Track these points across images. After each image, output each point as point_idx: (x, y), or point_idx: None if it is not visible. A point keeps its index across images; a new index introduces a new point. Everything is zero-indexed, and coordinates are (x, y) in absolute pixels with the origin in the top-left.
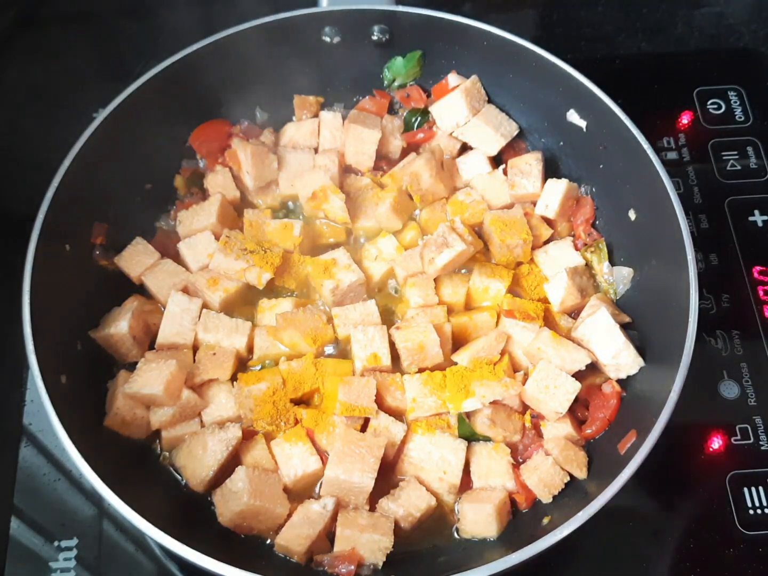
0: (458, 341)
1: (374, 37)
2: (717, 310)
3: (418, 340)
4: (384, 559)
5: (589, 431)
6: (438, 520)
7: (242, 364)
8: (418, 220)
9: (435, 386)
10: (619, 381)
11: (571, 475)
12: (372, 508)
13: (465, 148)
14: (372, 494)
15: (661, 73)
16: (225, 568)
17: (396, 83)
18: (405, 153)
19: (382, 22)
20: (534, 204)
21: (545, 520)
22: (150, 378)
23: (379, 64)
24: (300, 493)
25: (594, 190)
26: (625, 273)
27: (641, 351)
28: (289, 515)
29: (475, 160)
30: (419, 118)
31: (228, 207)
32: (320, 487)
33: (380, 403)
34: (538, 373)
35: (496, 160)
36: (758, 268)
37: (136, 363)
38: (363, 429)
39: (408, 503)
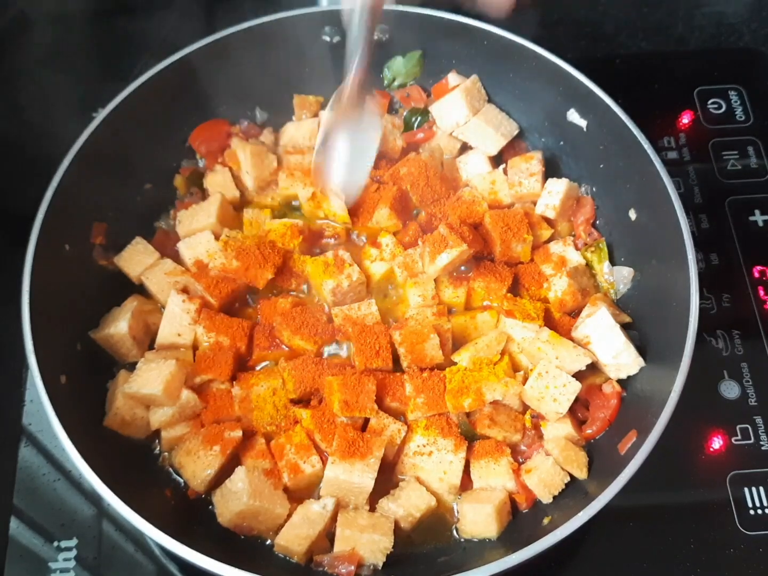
0: (458, 341)
1: (374, 37)
2: (717, 309)
3: (418, 340)
4: (384, 560)
5: (589, 431)
6: (438, 520)
7: (242, 364)
8: (418, 220)
9: (434, 391)
10: (620, 381)
11: (571, 476)
12: (372, 508)
13: (465, 147)
14: (372, 494)
15: (661, 73)
16: (225, 568)
17: (396, 83)
18: (405, 153)
19: (382, 22)
20: (534, 203)
21: (545, 521)
22: (150, 378)
23: (379, 64)
24: (300, 493)
25: (594, 189)
26: (625, 273)
27: (642, 351)
28: (289, 515)
29: (475, 159)
30: (419, 118)
31: (228, 207)
32: (321, 487)
33: (380, 403)
34: (538, 373)
35: (496, 160)
36: (758, 267)
37: (136, 363)
38: (363, 429)
39: (408, 503)
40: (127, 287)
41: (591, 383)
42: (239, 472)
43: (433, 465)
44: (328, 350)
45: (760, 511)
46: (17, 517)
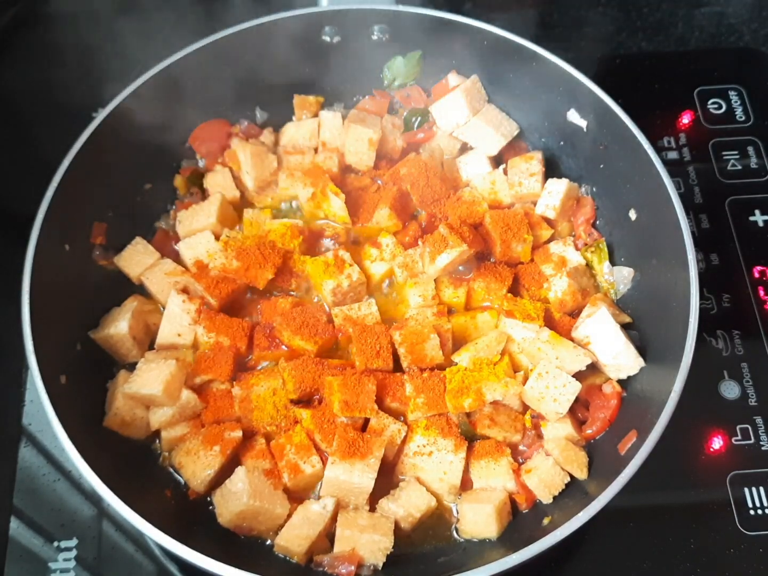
0: (458, 341)
1: (374, 37)
2: (717, 310)
3: (418, 341)
4: (384, 560)
5: (589, 431)
6: (438, 520)
7: (242, 364)
8: (418, 220)
9: (434, 392)
10: (620, 381)
11: (571, 476)
12: (372, 509)
13: (465, 147)
14: (372, 494)
15: (661, 73)
16: (225, 568)
17: (396, 83)
18: (405, 153)
19: (382, 22)
20: (534, 204)
21: (546, 521)
22: (149, 378)
23: (379, 64)
24: (300, 493)
25: (594, 189)
26: (625, 273)
27: (642, 351)
28: (289, 515)
29: (475, 159)
30: (419, 118)
31: (228, 207)
32: (320, 487)
33: (380, 403)
34: (538, 374)
35: (496, 160)
36: (759, 267)
37: (136, 363)
38: (363, 429)
39: (408, 503)
40: (127, 287)
41: (591, 383)
42: (239, 473)
43: (433, 465)
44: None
45: (760, 511)
46: (17, 517)
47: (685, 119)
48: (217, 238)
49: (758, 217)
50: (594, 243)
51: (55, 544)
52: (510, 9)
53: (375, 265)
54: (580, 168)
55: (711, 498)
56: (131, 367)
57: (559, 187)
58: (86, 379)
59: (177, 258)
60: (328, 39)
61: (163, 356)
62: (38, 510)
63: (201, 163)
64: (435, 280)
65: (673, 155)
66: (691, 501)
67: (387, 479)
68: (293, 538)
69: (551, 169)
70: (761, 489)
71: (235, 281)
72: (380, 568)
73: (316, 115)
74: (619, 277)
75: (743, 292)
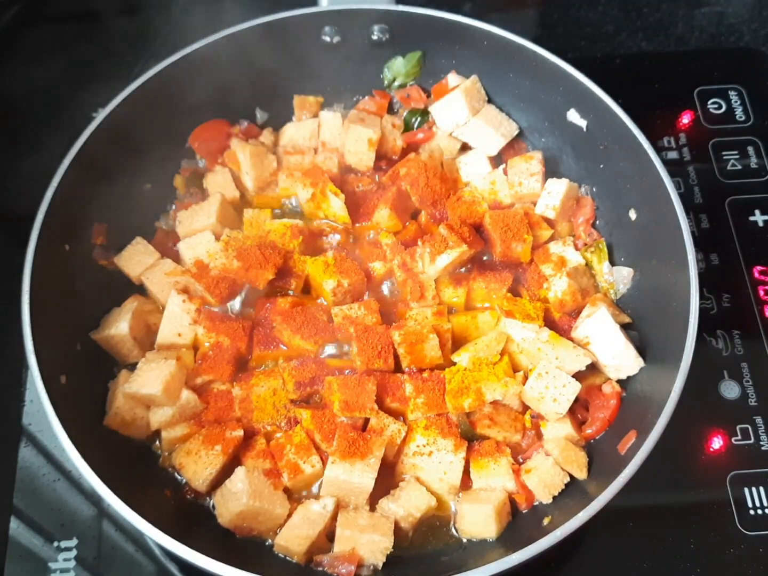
0: (458, 341)
1: (374, 37)
2: (717, 309)
3: (417, 341)
4: (384, 560)
5: (589, 431)
6: (438, 520)
7: (242, 364)
8: (418, 220)
9: (434, 392)
10: (620, 381)
11: (571, 476)
12: (372, 509)
13: (465, 147)
14: (372, 494)
15: (661, 73)
16: (225, 568)
17: (396, 83)
18: (405, 153)
19: (382, 22)
20: (534, 204)
21: (545, 521)
22: (149, 378)
23: (379, 64)
24: (300, 493)
25: (594, 189)
26: (625, 273)
27: (641, 351)
28: (289, 515)
29: (475, 159)
30: (419, 118)
31: (228, 207)
32: (320, 487)
33: (380, 403)
34: (538, 374)
35: (496, 160)
36: (759, 267)
37: (137, 363)
38: (363, 429)
39: (408, 503)
40: (127, 287)
41: (591, 383)
42: (239, 473)
43: (433, 465)
44: (328, 350)
45: (760, 511)
46: (17, 517)
47: (685, 119)
48: (217, 238)
49: (758, 217)
50: (594, 243)
51: (55, 544)
52: (510, 9)
53: (375, 265)
54: (580, 168)
55: (711, 498)
56: (133, 366)
57: (559, 187)
58: (86, 379)
59: (177, 258)
60: (328, 39)
61: (164, 356)
62: (38, 510)
63: (201, 163)
64: (435, 280)
65: (673, 155)
66: (691, 501)
67: (387, 479)
68: (293, 538)
69: (551, 169)
70: (761, 489)
71: (235, 281)
72: (380, 568)
73: (316, 116)
74: (619, 277)
75: (743, 292)
